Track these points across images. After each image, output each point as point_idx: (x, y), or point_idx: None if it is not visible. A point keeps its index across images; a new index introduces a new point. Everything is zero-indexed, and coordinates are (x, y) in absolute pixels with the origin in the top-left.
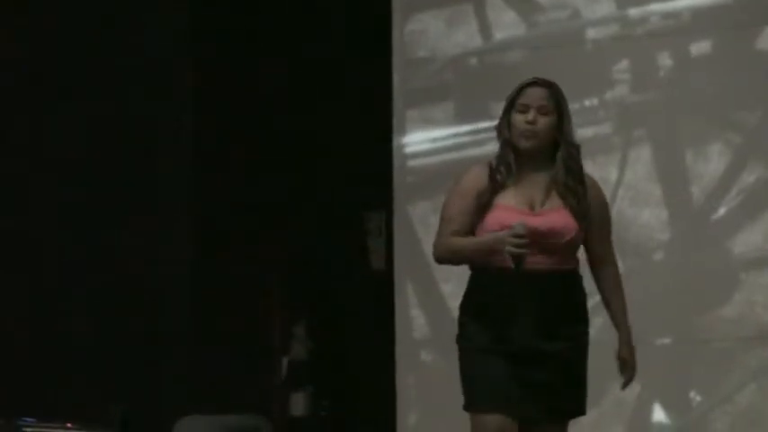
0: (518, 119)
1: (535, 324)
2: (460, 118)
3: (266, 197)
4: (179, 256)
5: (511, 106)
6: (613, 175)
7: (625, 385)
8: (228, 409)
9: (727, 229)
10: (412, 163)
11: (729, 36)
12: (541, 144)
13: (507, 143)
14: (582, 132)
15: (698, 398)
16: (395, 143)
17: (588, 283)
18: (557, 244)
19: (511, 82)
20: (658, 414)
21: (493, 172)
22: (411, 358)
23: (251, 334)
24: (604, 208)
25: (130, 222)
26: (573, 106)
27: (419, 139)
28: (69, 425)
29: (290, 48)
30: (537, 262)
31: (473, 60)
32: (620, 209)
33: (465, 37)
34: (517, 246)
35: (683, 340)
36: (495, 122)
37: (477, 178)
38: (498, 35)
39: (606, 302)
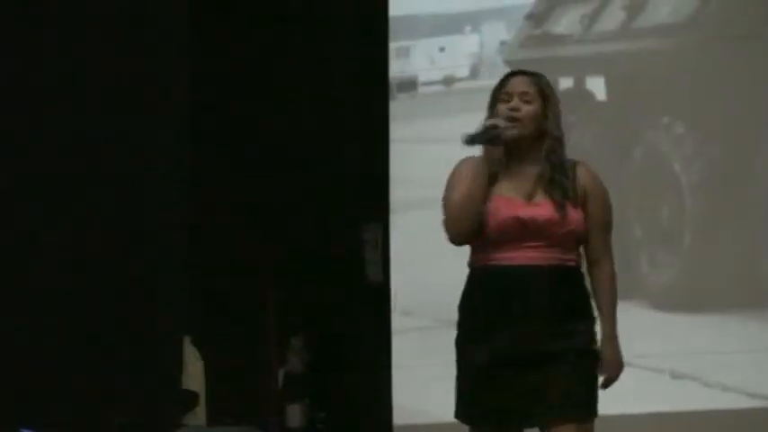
0: (501, 108)
1: (529, 322)
2: (456, 131)
3: (263, 208)
4: (175, 267)
5: (495, 99)
6: None
7: (605, 385)
8: (225, 421)
9: None
10: (409, 174)
11: None
12: (525, 133)
13: None
14: None
15: None
16: (392, 154)
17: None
18: (555, 235)
19: None
20: None
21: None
22: (408, 371)
23: (247, 345)
24: (597, 201)
25: (126, 228)
26: None
27: (416, 151)
28: None
29: (288, 62)
30: (537, 257)
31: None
32: None
33: (453, 61)
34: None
35: None
36: None
37: (473, 161)
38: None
39: (596, 303)
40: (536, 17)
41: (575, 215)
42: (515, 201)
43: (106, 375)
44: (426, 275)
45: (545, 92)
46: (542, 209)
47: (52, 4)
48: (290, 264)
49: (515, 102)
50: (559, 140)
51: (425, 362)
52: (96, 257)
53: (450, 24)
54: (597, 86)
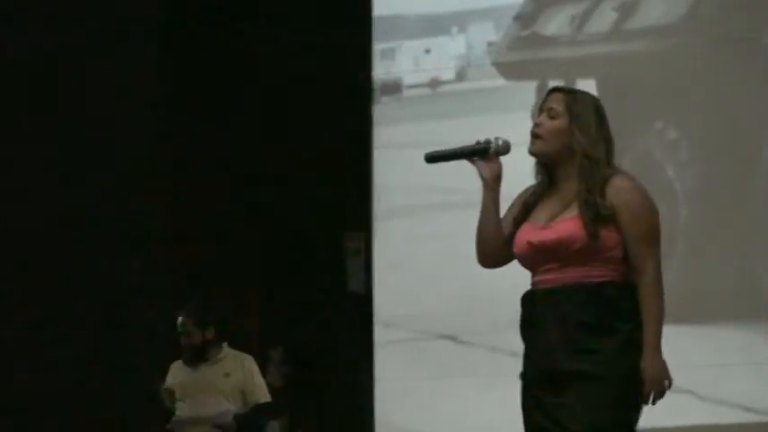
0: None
1: (557, 343)
2: (442, 135)
3: (243, 217)
4: (155, 283)
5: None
6: None
7: (645, 400)
8: None
9: None
10: (393, 181)
11: None
12: (547, 149)
13: None
14: None
15: None
16: (375, 160)
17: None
18: (570, 255)
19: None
20: None
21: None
22: (391, 384)
23: None
24: (628, 213)
25: (106, 252)
26: None
27: (400, 157)
28: None
29: (268, 63)
30: (555, 279)
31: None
32: None
33: (439, 63)
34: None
35: None
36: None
37: (527, 190)
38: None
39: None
40: (525, 18)
41: (603, 233)
42: (535, 225)
43: (88, 389)
44: (410, 286)
45: (572, 108)
46: (554, 231)
47: None
48: (270, 274)
49: (541, 117)
50: (590, 158)
51: (409, 375)
52: (74, 272)
53: (437, 25)
54: (588, 89)
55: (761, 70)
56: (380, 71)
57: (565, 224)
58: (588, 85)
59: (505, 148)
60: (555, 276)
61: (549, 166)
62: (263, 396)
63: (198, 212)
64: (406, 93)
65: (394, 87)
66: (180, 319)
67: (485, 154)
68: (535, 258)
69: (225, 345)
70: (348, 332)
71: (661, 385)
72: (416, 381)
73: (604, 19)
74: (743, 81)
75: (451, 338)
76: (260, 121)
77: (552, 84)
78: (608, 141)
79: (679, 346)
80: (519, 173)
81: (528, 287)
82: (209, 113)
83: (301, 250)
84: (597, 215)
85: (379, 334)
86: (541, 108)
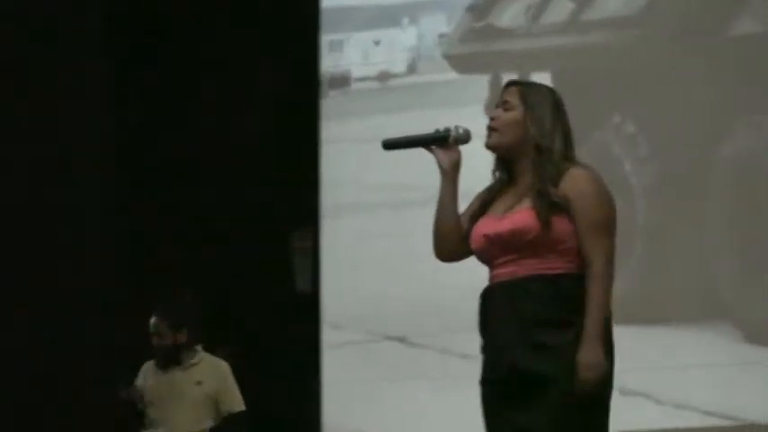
0: None
1: (515, 338)
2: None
3: (186, 213)
4: (97, 277)
5: None
6: None
7: (579, 389)
8: None
9: None
10: (341, 177)
11: None
12: (503, 141)
13: None
14: None
15: None
16: (323, 155)
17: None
18: (525, 245)
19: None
20: None
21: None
22: (339, 386)
23: None
24: (579, 204)
25: (53, 267)
26: None
27: (349, 151)
28: None
29: (212, 56)
30: (512, 272)
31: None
32: None
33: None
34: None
35: None
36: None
37: (486, 188)
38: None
39: None
40: (478, 9)
41: (558, 223)
42: (491, 218)
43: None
44: (359, 286)
45: (527, 99)
46: (509, 221)
47: None
48: (214, 272)
49: (497, 111)
50: (542, 149)
51: (357, 377)
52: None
53: (387, 16)
54: (543, 82)
55: (722, 64)
56: (328, 64)
57: (520, 215)
58: (544, 78)
59: (466, 137)
60: (511, 269)
61: (507, 161)
62: (237, 405)
63: (142, 211)
64: (354, 86)
65: (342, 80)
66: (153, 319)
67: (444, 142)
68: (491, 251)
69: (199, 349)
70: (295, 333)
71: (594, 372)
72: (365, 383)
73: (561, 10)
74: (704, 75)
75: (401, 340)
76: (206, 116)
77: (506, 77)
78: (566, 133)
79: (636, 347)
80: (474, 166)
81: (481, 287)
82: (153, 110)
83: (246, 248)
84: (550, 204)
85: (327, 335)
86: (498, 103)
